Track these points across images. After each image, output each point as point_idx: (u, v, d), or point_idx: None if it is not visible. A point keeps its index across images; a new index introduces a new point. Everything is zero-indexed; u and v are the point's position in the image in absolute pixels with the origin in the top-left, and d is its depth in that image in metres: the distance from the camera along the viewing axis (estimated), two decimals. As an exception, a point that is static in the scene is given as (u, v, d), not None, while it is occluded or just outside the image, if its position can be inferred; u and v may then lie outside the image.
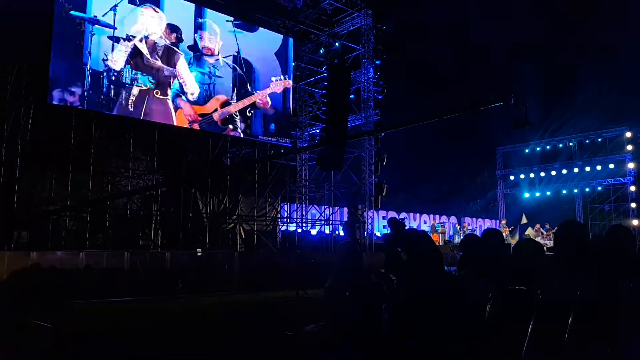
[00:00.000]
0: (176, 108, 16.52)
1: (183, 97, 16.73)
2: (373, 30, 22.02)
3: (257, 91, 18.81)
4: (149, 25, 16.10)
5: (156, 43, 16.23)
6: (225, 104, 17.92)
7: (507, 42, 35.82)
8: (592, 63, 30.38)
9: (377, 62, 22.00)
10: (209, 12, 17.90)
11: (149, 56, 15.94)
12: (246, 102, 18.47)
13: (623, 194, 28.78)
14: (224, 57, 18.10)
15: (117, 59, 15.30)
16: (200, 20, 17.67)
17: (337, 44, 22.15)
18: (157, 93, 16.07)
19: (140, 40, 15.82)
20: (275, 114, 19.45)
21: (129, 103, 15.46)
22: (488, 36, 33.67)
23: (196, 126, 17.16)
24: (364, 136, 21.72)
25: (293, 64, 20.77)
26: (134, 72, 15.61)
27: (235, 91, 18.27)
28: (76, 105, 14.57)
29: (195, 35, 17.50)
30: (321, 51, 22.50)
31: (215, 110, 17.60)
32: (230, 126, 18.13)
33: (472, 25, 33.63)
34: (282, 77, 19.49)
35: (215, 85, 17.83)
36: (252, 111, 18.71)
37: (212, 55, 17.80)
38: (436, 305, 3.58)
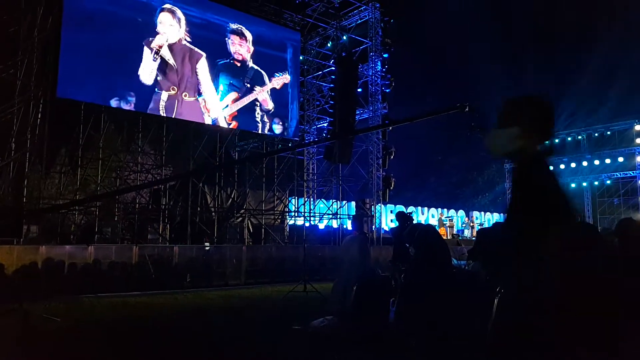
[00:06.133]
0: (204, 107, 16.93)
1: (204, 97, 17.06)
2: (381, 24, 21.91)
3: (257, 87, 18.88)
4: (170, 33, 16.21)
5: (178, 47, 16.37)
6: (236, 100, 18.13)
7: (513, 34, 35.63)
8: (601, 55, 30.15)
9: (384, 56, 21.91)
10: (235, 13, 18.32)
11: (174, 62, 16.13)
12: (250, 98, 18.54)
13: (632, 188, 28.63)
14: (250, 57, 18.58)
15: (148, 73, 15.57)
16: (232, 26, 18.04)
17: (344, 38, 22.07)
18: (185, 95, 16.33)
19: (163, 48, 15.99)
20: (281, 109, 19.54)
21: (160, 107, 15.76)
22: (494, 28, 33.51)
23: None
24: (371, 131, 21.68)
25: (300, 57, 20.75)
26: (162, 79, 15.87)
27: (248, 88, 18.50)
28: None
29: (227, 40, 17.91)
30: (329, 44, 22.43)
31: (227, 106, 17.84)
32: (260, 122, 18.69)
33: (481, 17, 33.43)
34: (280, 73, 19.56)
35: (235, 85, 18.14)
36: (262, 107, 18.90)
37: (242, 60, 18.25)
38: (443, 299, 3.57)
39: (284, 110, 19.57)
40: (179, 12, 16.44)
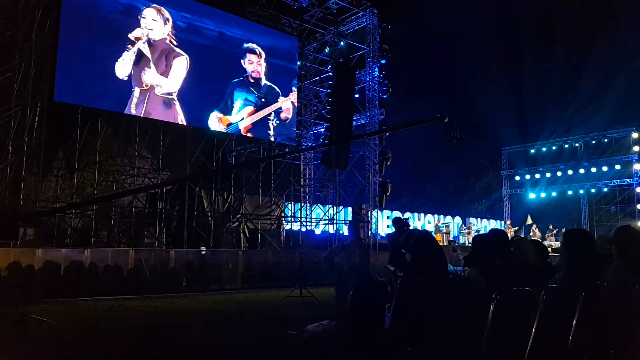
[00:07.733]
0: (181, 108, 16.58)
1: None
2: (378, 30, 21.99)
3: (279, 99, 19.15)
4: (153, 29, 15.97)
5: (160, 44, 16.12)
6: (252, 114, 18.39)
7: (512, 42, 35.81)
8: (599, 62, 30.29)
9: (382, 62, 21.98)
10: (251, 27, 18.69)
11: (150, 56, 15.79)
12: (269, 109, 18.83)
13: (629, 195, 28.65)
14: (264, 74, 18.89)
15: (123, 66, 15.13)
16: (246, 45, 18.33)
17: (342, 43, 22.13)
18: (158, 91, 15.96)
19: (144, 43, 15.73)
20: (292, 117, 19.89)
21: (132, 106, 15.26)
22: (492, 35, 33.69)
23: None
24: (368, 137, 21.74)
25: (298, 63, 20.82)
26: (136, 74, 15.43)
27: (263, 102, 18.71)
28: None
29: (242, 60, 18.24)
30: (326, 50, 22.49)
31: (242, 119, 18.07)
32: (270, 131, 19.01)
33: (478, 25, 33.59)
34: (295, 88, 20.05)
35: (250, 100, 18.39)
36: (274, 117, 19.09)
37: (256, 77, 18.59)
38: (439, 306, 3.58)
39: (293, 118, 19.96)
40: (165, 12, 16.25)
